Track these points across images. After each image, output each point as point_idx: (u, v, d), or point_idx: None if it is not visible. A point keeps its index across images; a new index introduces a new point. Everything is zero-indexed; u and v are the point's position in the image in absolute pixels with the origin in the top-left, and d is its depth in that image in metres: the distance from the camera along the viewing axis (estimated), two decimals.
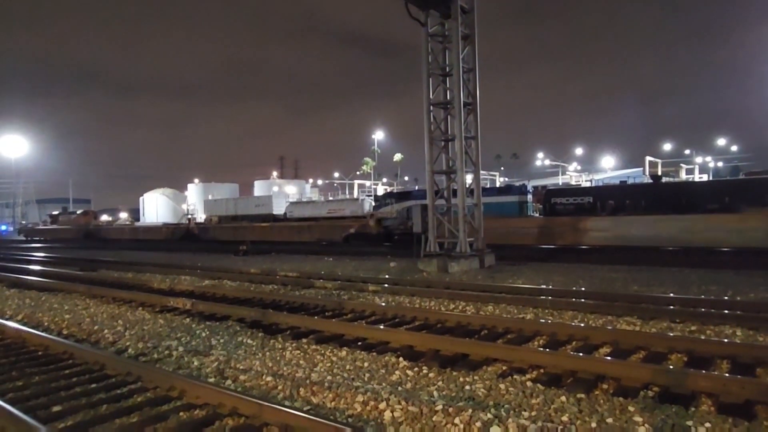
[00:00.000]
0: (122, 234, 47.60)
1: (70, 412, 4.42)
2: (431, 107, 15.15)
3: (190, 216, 52.95)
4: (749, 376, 4.81)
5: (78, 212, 69.86)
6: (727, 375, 4.78)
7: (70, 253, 28.00)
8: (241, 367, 5.65)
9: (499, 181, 59.42)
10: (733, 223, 17.23)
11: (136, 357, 6.24)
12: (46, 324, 8.47)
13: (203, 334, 7.24)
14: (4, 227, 65.32)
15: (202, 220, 52.88)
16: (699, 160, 63.34)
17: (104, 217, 71.05)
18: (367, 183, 65.89)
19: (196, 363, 5.86)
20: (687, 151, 69.52)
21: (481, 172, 16.01)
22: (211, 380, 5.24)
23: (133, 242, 39.49)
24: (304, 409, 4.33)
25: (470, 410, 4.14)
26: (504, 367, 5.38)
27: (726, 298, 8.72)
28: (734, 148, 70.60)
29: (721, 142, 70.81)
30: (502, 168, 71.98)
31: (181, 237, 39.99)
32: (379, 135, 69.37)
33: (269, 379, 5.19)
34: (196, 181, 69.48)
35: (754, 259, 13.51)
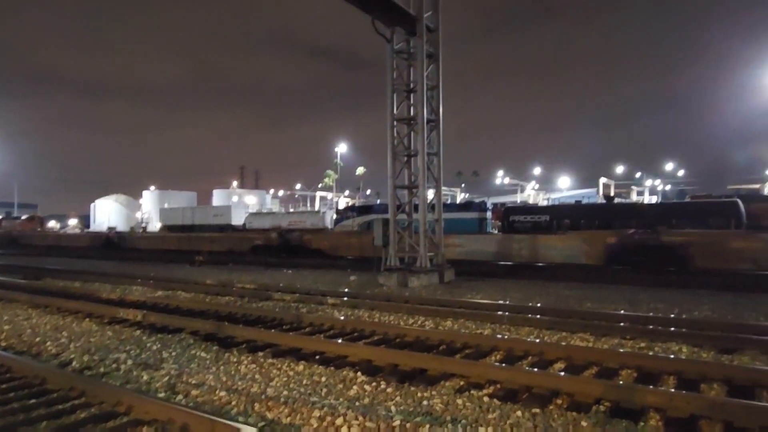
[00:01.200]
0: (45, 241, 45.94)
1: (5, 430, 4.15)
2: (395, 122, 15.29)
3: (110, 226, 53.40)
4: (694, 392, 5.01)
5: (23, 217, 66.63)
6: (673, 390, 4.95)
7: (14, 260, 26.56)
8: (194, 382, 5.46)
9: (460, 197, 60.31)
10: (557, 243, 20.65)
11: (81, 370, 5.95)
12: None
13: (154, 347, 6.97)
14: None
15: (157, 229, 51.45)
16: (649, 182, 66.32)
17: (52, 224, 68.00)
18: (329, 195, 65.67)
19: (145, 377, 5.63)
20: (638, 174, 72.74)
21: (443, 188, 16.21)
22: (161, 395, 5.04)
23: (55, 249, 38.26)
24: (259, 425, 4.23)
25: (428, 425, 4.14)
26: (462, 382, 5.41)
27: (672, 315, 9.08)
28: (681, 172, 74.42)
29: (669, 166, 74.44)
30: (463, 185, 73.13)
31: (102, 245, 39.77)
32: (342, 148, 69.30)
33: (223, 394, 5.04)
34: (152, 188, 67.50)
35: (699, 279, 14.16)
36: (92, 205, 67.32)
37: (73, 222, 68.81)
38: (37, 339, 7.55)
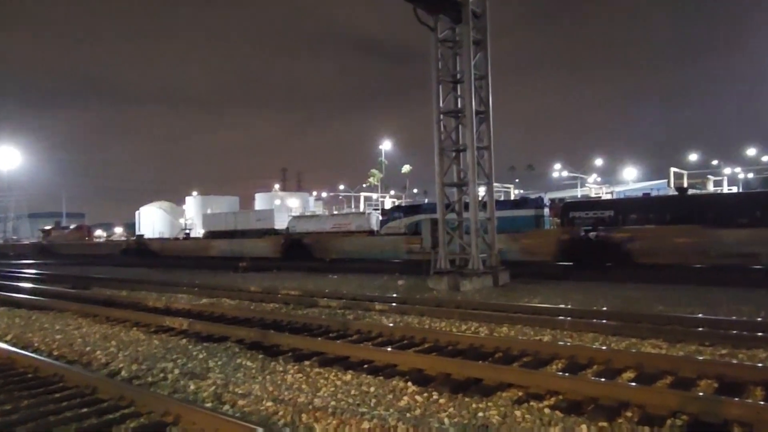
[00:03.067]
0: (73, 249, 50.30)
1: None
2: (441, 116, 15.20)
3: (138, 234, 56.45)
4: None
5: (71, 227, 70.57)
6: (761, 402, 4.69)
7: (62, 269, 28.20)
8: (240, 391, 5.63)
9: (514, 193, 59.31)
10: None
11: (130, 380, 6.24)
12: (36, 344, 8.50)
13: (200, 356, 7.23)
14: None
15: (201, 234, 53.34)
16: (727, 171, 62.95)
17: (99, 232, 71.76)
18: (374, 196, 66.07)
19: (192, 386, 5.85)
20: (714, 162, 69.21)
21: (495, 184, 15.99)
22: (208, 405, 5.22)
23: (84, 256, 41.86)
24: None
25: None
26: (520, 393, 5.31)
27: (759, 319, 8.59)
28: (765, 158, 70.08)
29: (751, 152, 70.33)
30: (517, 180, 72.09)
31: (123, 250, 43.12)
32: (386, 146, 69.65)
33: (269, 404, 5.17)
34: (195, 193, 70.08)
35: None
36: (137, 212, 70.56)
37: (118, 230, 72.39)
38: (87, 348, 7.98)
